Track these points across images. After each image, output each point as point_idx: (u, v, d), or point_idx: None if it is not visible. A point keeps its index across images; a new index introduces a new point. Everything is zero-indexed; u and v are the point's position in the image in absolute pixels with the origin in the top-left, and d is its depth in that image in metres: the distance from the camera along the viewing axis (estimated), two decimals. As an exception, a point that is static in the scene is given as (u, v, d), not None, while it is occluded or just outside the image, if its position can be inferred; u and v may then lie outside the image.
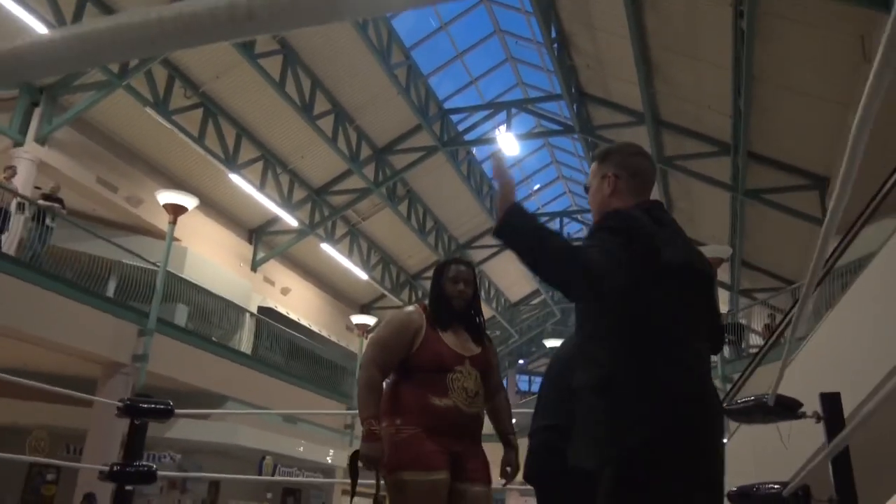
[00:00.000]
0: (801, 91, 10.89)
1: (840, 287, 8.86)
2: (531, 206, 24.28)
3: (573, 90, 15.41)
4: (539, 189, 24.32)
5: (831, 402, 2.51)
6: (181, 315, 12.72)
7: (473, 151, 19.43)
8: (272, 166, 15.56)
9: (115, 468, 3.74)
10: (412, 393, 2.63)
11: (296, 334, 16.50)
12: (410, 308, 2.83)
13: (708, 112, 13.23)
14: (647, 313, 1.73)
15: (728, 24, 10.43)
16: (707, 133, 13.93)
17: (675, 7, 11.25)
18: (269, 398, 13.27)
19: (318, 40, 13.59)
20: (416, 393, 2.62)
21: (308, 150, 15.74)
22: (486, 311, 17.13)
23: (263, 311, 16.32)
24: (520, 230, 1.68)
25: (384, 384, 2.74)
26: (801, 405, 2.61)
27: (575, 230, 24.75)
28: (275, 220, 16.88)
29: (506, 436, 2.80)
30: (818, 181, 12.64)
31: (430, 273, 21.93)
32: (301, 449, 14.75)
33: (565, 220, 23.82)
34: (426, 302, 2.88)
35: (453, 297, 2.76)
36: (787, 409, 2.62)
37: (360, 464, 2.62)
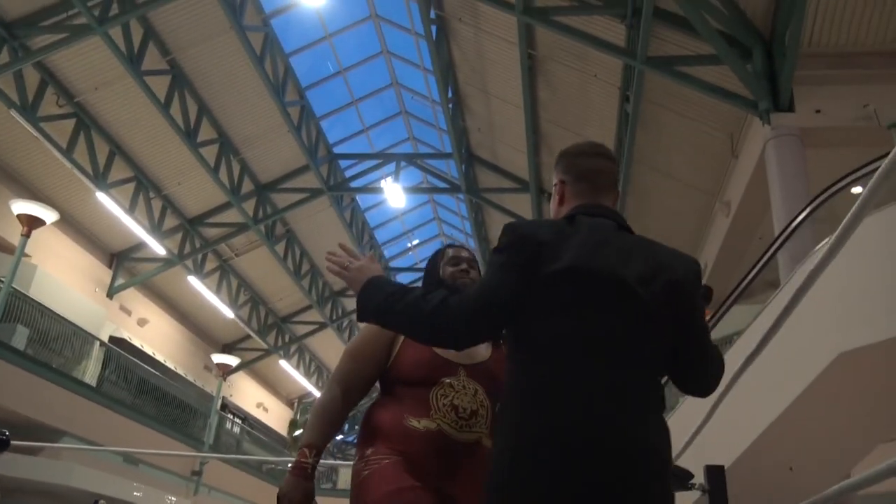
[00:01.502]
0: (675, 177, 11.61)
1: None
2: (409, 260, 24.35)
3: (463, 151, 15.72)
4: (418, 244, 24.41)
5: (716, 476, 2.52)
6: (20, 338, 11.59)
7: (358, 199, 19.31)
8: (145, 189, 14.75)
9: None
10: (388, 413, 2.04)
11: (148, 369, 15.45)
12: None
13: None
14: (534, 337, 1.47)
15: (615, 106, 11.03)
16: (586, 207, 14.52)
17: (567, 84, 11.78)
18: (112, 436, 12.27)
19: (211, 67, 13.17)
20: (392, 413, 2.03)
21: (186, 177, 15.07)
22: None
23: (115, 341, 15.22)
24: (374, 310, 1.62)
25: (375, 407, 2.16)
26: (692, 476, 2.56)
27: (450, 288, 24.91)
28: (140, 245, 15.91)
29: None
30: (683, 263, 13.39)
31: (300, 317, 21.65)
32: (139, 494, 13.62)
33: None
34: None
35: (457, 279, 2.19)
36: (678, 479, 2.48)
37: None
